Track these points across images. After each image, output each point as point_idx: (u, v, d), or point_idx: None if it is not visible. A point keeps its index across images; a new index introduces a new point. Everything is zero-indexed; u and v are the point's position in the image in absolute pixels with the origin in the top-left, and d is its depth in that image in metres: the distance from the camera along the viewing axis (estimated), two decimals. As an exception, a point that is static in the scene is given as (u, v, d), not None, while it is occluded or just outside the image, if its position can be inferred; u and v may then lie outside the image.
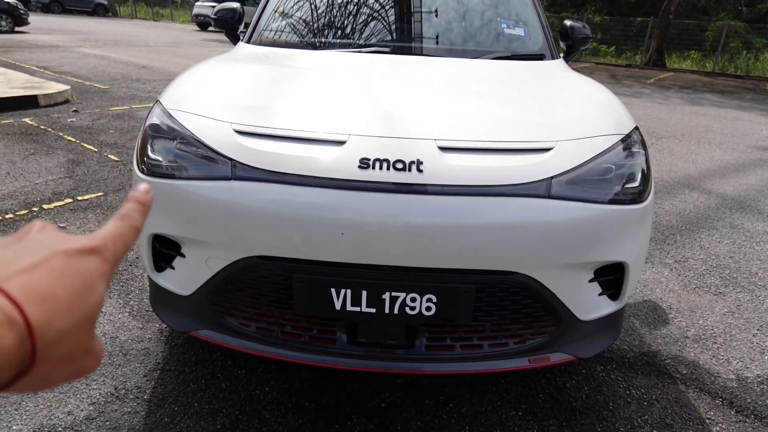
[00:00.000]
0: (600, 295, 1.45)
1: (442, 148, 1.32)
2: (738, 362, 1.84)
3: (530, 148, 1.37)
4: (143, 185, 0.37)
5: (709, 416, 1.59)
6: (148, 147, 1.42)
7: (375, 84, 1.74)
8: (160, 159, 1.39)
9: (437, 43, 2.22)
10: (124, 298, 2.03)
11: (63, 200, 2.97)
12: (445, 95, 1.67)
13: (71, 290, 0.27)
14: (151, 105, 1.58)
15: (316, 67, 1.91)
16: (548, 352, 1.44)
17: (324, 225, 1.24)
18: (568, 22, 2.46)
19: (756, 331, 2.03)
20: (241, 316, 1.40)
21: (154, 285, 1.50)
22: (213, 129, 1.38)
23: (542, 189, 1.31)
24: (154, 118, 1.48)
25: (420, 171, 1.27)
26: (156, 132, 1.44)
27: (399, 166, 1.27)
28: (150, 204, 0.36)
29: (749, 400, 1.66)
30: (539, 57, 2.18)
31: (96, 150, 3.95)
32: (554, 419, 1.54)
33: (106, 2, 25.26)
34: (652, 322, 2.05)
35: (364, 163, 1.26)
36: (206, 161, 1.33)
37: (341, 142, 1.31)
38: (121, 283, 2.14)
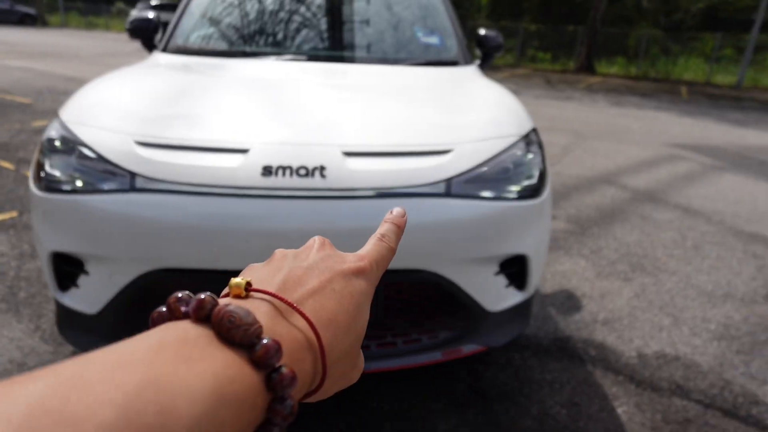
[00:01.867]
0: (507, 286, 1.54)
1: (346, 153, 1.36)
2: (639, 340, 2.00)
3: (431, 151, 1.44)
4: (398, 209, 0.39)
5: (612, 392, 1.72)
6: (45, 162, 1.38)
7: (284, 91, 1.76)
8: (57, 174, 1.35)
9: (353, 50, 2.28)
10: (36, 322, 1.93)
11: (-28, 223, 2.76)
12: (354, 101, 1.72)
13: (348, 312, 0.29)
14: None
15: (226, 75, 1.91)
16: (460, 344, 1.51)
17: (228, 234, 1.25)
18: (482, 31, 2.59)
19: (657, 311, 2.22)
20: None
21: (59, 306, 1.44)
22: (113, 141, 1.36)
23: (442, 189, 1.38)
24: (52, 132, 1.43)
25: (323, 176, 1.31)
26: (53, 146, 1.39)
27: (302, 172, 1.30)
28: (404, 226, 0.37)
29: (647, 374, 1.81)
30: (453, 63, 2.29)
31: (13, 168, 3.71)
32: (472, 408, 1.62)
33: (34, 11, 23.69)
34: (566, 309, 2.19)
35: (267, 171, 1.29)
36: (105, 174, 1.31)
37: (244, 151, 1.33)
38: (33, 306, 2.02)
